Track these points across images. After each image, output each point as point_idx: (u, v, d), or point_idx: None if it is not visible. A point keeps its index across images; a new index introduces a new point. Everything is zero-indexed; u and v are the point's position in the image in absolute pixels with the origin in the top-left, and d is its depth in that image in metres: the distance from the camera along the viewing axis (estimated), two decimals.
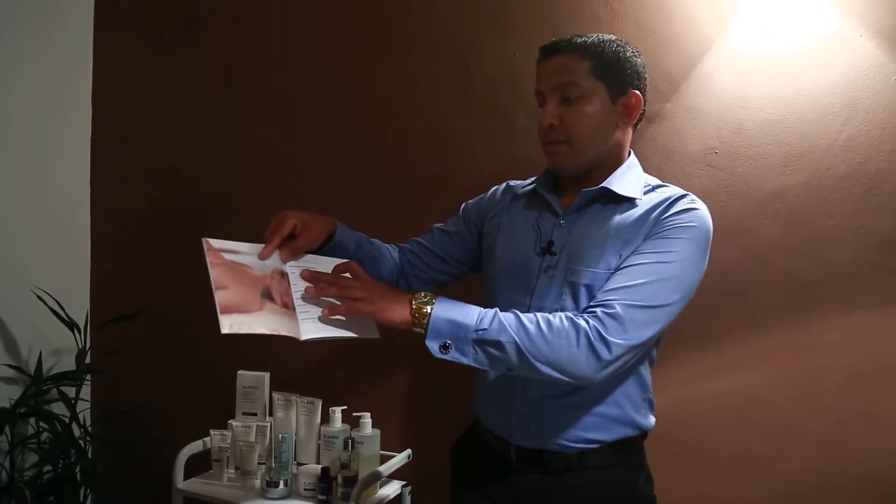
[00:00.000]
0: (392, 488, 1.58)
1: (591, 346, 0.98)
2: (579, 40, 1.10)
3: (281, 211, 1.16)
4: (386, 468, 1.52)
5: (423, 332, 1.03)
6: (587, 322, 1.00)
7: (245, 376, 1.66)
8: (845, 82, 1.39)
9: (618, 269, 1.06)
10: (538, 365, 0.99)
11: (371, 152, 1.81)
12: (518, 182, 1.31)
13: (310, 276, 1.11)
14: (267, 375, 1.65)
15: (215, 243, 1.07)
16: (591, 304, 1.04)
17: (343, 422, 1.59)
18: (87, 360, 1.96)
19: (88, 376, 1.99)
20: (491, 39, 1.67)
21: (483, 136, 1.69)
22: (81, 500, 1.87)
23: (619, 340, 0.99)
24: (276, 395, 1.63)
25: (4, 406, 1.79)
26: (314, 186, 1.88)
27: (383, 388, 1.79)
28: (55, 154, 2.06)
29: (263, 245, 1.11)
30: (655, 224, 1.07)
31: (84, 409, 2.04)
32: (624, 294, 1.01)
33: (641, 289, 1.01)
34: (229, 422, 1.62)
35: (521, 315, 1.02)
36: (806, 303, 1.42)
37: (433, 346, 1.02)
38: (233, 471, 1.59)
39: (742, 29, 1.45)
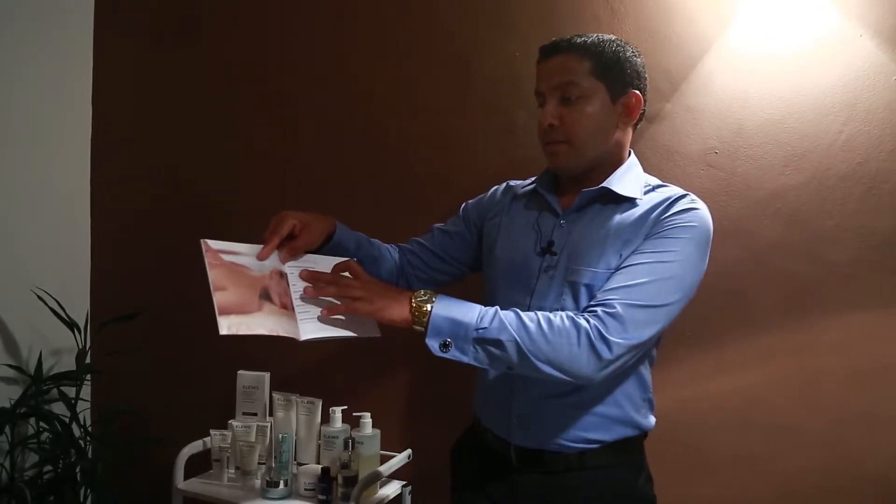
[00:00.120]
0: (392, 488, 1.58)
1: (591, 345, 0.98)
2: (579, 40, 1.10)
3: (280, 211, 1.16)
4: (386, 468, 1.52)
5: (423, 330, 1.02)
6: (588, 321, 0.99)
7: (245, 376, 1.66)
8: (845, 82, 1.39)
9: (618, 268, 1.06)
10: (538, 364, 0.99)
11: (371, 152, 1.81)
12: (518, 182, 1.31)
13: (309, 275, 1.11)
14: (267, 375, 1.65)
15: (214, 244, 1.07)
16: (592, 303, 1.04)
17: (343, 422, 1.58)
18: (87, 360, 1.96)
19: (88, 376, 1.99)
20: (491, 39, 1.67)
21: (483, 136, 1.69)
22: (81, 500, 1.87)
23: (619, 340, 0.99)
24: (276, 395, 1.63)
25: (4, 406, 1.79)
26: (314, 186, 1.88)
27: (383, 388, 1.79)
28: (55, 154, 2.06)
29: (262, 246, 1.11)
30: (656, 224, 1.07)
31: (84, 409, 2.04)
32: (624, 293, 1.01)
33: (642, 288, 1.01)
34: (229, 422, 1.62)
35: (522, 314, 1.02)
36: (806, 303, 1.42)
37: (433, 344, 1.02)
38: (233, 471, 1.58)
39: (742, 29, 1.45)
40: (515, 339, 0.99)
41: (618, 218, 1.10)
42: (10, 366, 1.90)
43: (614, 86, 1.10)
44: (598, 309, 1.01)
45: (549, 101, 1.12)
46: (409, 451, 1.61)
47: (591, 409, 1.11)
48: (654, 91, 1.47)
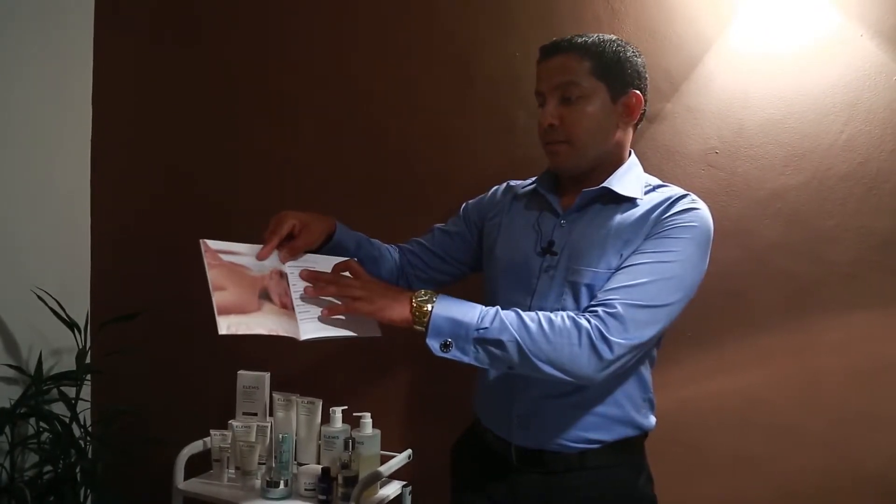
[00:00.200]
0: (392, 488, 1.58)
1: (592, 345, 0.98)
2: (580, 40, 1.10)
3: (280, 211, 1.16)
4: (386, 468, 1.52)
5: (423, 330, 1.02)
6: (589, 321, 0.99)
7: (245, 376, 1.66)
8: (846, 82, 1.39)
9: (619, 268, 1.06)
10: (539, 364, 0.99)
11: (371, 152, 1.81)
12: (518, 182, 1.31)
13: (309, 275, 1.11)
14: (267, 375, 1.65)
15: (213, 244, 1.07)
16: (593, 303, 1.04)
17: (343, 422, 1.58)
18: (88, 360, 1.96)
19: (88, 376, 1.99)
20: (491, 39, 1.67)
21: (483, 136, 1.69)
22: (81, 500, 1.86)
23: (620, 340, 0.99)
24: (276, 395, 1.63)
25: (4, 406, 1.79)
26: (314, 186, 1.87)
27: (383, 388, 1.79)
28: (55, 154, 2.06)
29: (262, 246, 1.11)
30: (656, 224, 1.07)
31: (84, 409, 2.04)
32: (625, 293, 1.01)
33: (642, 288, 1.01)
34: (229, 422, 1.62)
35: (523, 313, 1.02)
36: (806, 303, 1.42)
37: (434, 344, 1.02)
38: (233, 471, 1.58)
39: (742, 29, 1.45)
40: (516, 339, 0.99)
41: (618, 218, 1.10)
42: (10, 366, 1.90)
43: (615, 86, 1.10)
44: (599, 309, 1.01)
45: (550, 101, 1.12)
46: (409, 451, 1.61)
47: (591, 409, 1.11)
48: (655, 91, 1.47)
